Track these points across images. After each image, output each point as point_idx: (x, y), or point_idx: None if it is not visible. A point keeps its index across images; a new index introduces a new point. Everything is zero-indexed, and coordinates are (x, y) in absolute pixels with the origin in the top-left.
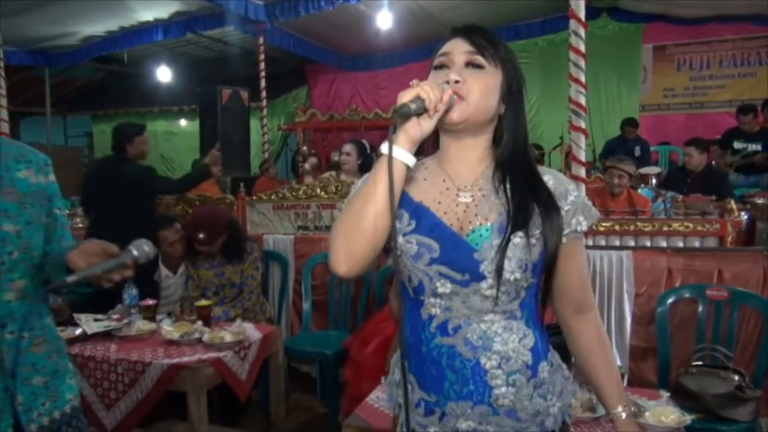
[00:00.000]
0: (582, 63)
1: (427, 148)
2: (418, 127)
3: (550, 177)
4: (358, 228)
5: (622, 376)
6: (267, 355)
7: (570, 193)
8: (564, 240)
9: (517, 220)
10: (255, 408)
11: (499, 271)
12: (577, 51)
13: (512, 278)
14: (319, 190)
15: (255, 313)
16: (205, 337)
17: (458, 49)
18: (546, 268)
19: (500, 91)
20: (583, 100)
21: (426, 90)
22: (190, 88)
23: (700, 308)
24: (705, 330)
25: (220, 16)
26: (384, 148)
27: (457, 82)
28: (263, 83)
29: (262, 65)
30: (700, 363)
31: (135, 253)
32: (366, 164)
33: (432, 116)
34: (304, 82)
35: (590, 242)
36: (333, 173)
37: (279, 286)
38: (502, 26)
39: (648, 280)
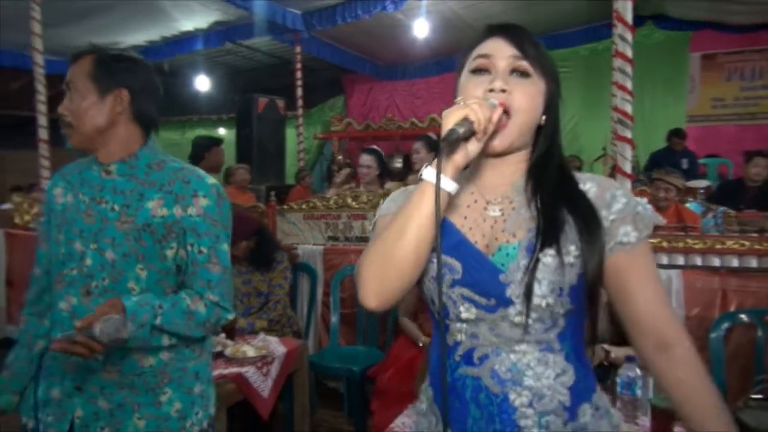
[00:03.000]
0: (629, 69)
1: None
2: (465, 152)
3: (592, 184)
4: (394, 261)
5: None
6: (291, 371)
7: (617, 199)
8: (609, 254)
9: (546, 236)
10: (279, 423)
11: (527, 295)
12: (623, 57)
13: (544, 304)
14: (350, 200)
15: (282, 326)
16: (227, 351)
17: (501, 52)
18: (590, 291)
19: (544, 102)
20: (629, 109)
21: (475, 110)
22: (229, 97)
23: (759, 334)
24: (765, 359)
25: (258, 25)
26: (426, 174)
27: (503, 91)
28: (299, 92)
29: (299, 74)
30: (759, 396)
31: (97, 328)
32: (384, 174)
33: (480, 139)
34: (341, 92)
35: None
36: (335, 180)
37: (307, 298)
38: (542, 35)
39: (699, 302)
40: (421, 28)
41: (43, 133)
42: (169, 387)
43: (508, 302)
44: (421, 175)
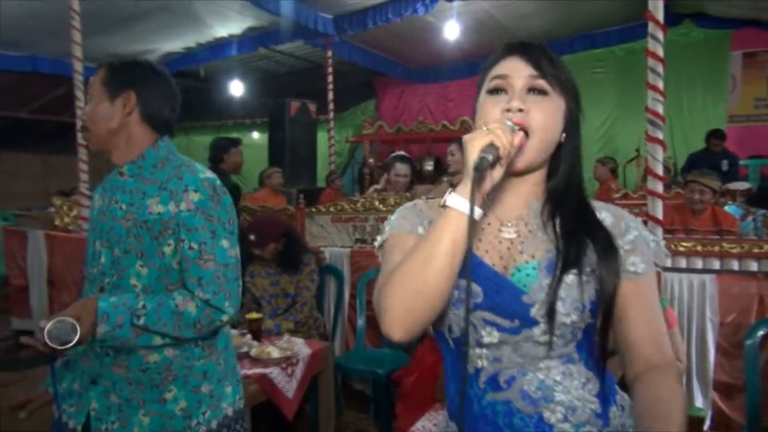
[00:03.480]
0: (660, 69)
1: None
2: (490, 178)
3: (607, 214)
4: (422, 290)
5: (702, 420)
6: (316, 373)
7: (630, 231)
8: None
9: (568, 256)
10: (305, 424)
11: (551, 314)
12: (654, 56)
13: (568, 321)
14: (377, 203)
15: (308, 327)
16: (253, 352)
17: (518, 72)
18: (604, 310)
19: (564, 120)
20: (660, 109)
21: (499, 136)
22: (263, 102)
23: None
24: None
25: (290, 30)
26: (450, 201)
27: (521, 110)
28: (331, 96)
29: (330, 78)
30: None
31: (46, 326)
32: (414, 181)
33: (504, 165)
34: (373, 95)
35: (669, 263)
36: (377, 186)
37: (334, 300)
38: (577, 35)
39: (735, 308)
40: (452, 30)
41: (81, 138)
42: (174, 385)
43: (532, 322)
44: (445, 201)
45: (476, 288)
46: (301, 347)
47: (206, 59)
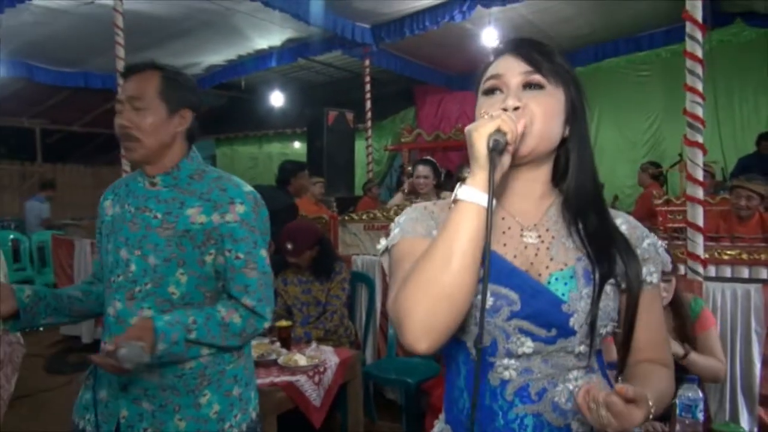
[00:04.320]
0: (699, 70)
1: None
2: (500, 166)
3: (622, 221)
4: (444, 291)
5: None
6: (345, 381)
7: (644, 240)
8: None
9: (602, 265)
10: None
11: (593, 324)
12: (693, 57)
13: (603, 332)
14: None
15: (339, 336)
16: (281, 360)
17: (512, 69)
18: (628, 317)
19: (564, 111)
20: (700, 112)
21: (506, 121)
22: (303, 112)
23: None
24: None
25: (328, 41)
26: (462, 193)
27: (516, 108)
28: (368, 104)
29: (368, 87)
30: None
31: (121, 353)
32: (440, 184)
33: (511, 151)
34: (412, 103)
35: (712, 272)
36: (403, 189)
37: (366, 308)
38: (620, 38)
39: None
40: (490, 37)
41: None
42: (209, 389)
43: (570, 332)
44: (456, 195)
45: (512, 295)
46: (330, 355)
47: (247, 71)
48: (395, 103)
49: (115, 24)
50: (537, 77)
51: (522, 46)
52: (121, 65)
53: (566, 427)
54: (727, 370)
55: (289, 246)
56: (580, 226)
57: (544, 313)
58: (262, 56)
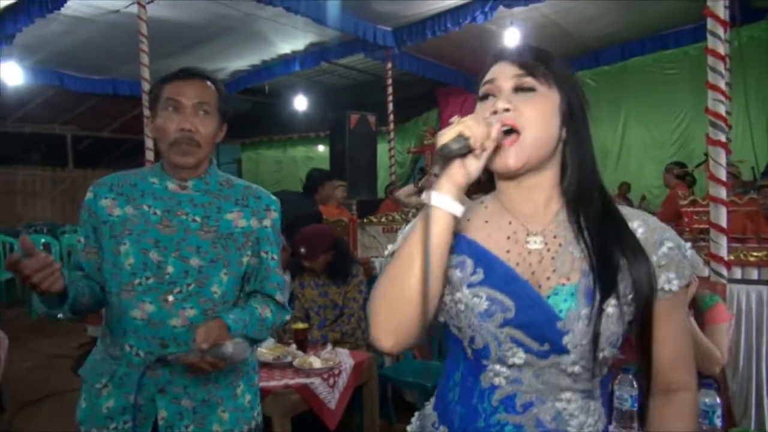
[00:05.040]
0: (721, 67)
1: None
2: (464, 170)
3: (640, 223)
4: (404, 296)
5: None
6: (360, 383)
7: (665, 244)
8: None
9: (604, 283)
10: None
11: (594, 348)
12: (715, 54)
13: (601, 356)
14: None
15: (356, 338)
16: (296, 362)
17: (504, 74)
18: (641, 333)
19: (560, 113)
20: (722, 110)
21: (470, 126)
22: (326, 115)
23: None
24: None
25: (350, 44)
26: (430, 198)
27: (507, 110)
28: (390, 107)
29: (390, 89)
30: None
31: (230, 350)
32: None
33: (480, 156)
34: (435, 105)
35: (738, 275)
36: (416, 183)
37: None
38: (647, 37)
39: None
40: (513, 37)
41: (149, 155)
42: (242, 381)
43: (562, 350)
44: (423, 198)
45: (507, 302)
46: (345, 358)
47: (271, 76)
48: (418, 105)
49: (140, 32)
50: (528, 80)
51: (516, 51)
52: (146, 72)
53: None
54: (753, 376)
55: (303, 250)
56: (586, 232)
57: (537, 326)
58: (285, 61)
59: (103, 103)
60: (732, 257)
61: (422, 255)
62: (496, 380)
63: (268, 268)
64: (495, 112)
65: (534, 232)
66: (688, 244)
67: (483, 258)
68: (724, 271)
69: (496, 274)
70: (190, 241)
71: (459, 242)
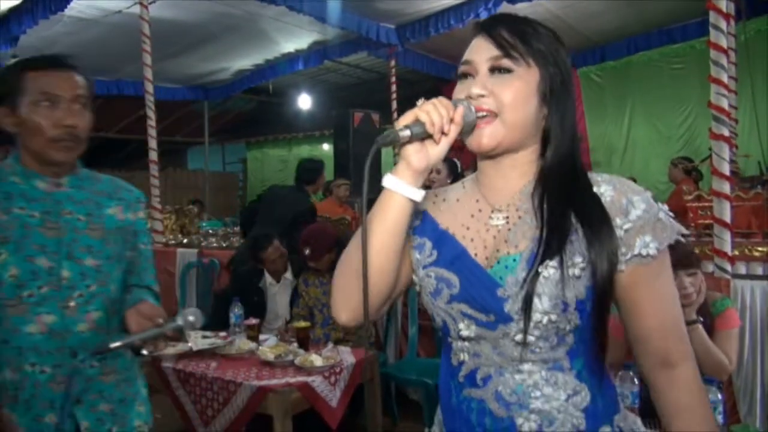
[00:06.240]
0: (724, 60)
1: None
2: (422, 155)
3: (608, 187)
4: (352, 273)
5: None
6: (362, 381)
7: (635, 205)
8: (623, 268)
9: (549, 247)
10: None
11: (526, 311)
12: (717, 47)
13: (545, 320)
14: None
15: (359, 337)
16: (297, 360)
17: (480, 55)
18: (598, 305)
19: (538, 93)
20: (725, 104)
21: (427, 110)
22: (330, 114)
23: None
24: None
25: (354, 42)
26: (386, 181)
27: (482, 96)
28: (394, 105)
29: (394, 87)
30: None
31: (180, 323)
32: (456, 180)
33: (440, 141)
34: None
35: (742, 270)
36: None
37: (387, 309)
38: (652, 31)
39: None
40: None
41: (153, 155)
42: (139, 371)
43: (507, 319)
44: (383, 182)
45: (453, 278)
46: (346, 356)
47: (275, 75)
48: None
49: (142, 32)
50: (505, 62)
51: (495, 25)
52: (149, 72)
53: (509, 419)
54: (757, 372)
55: (307, 251)
56: (546, 202)
57: (479, 298)
58: (289, 60)
59: (108, 104)
60: (736, 252)
61: (375, 235)
62: (461, 356)
63: (148, 260)
64: (470, 97)
65: (498, 208)
66: (665, 207)
67: (440, 239)
68: (728, 267)
69: (446, 252)
70: (81, 241)
71: (424, 223)
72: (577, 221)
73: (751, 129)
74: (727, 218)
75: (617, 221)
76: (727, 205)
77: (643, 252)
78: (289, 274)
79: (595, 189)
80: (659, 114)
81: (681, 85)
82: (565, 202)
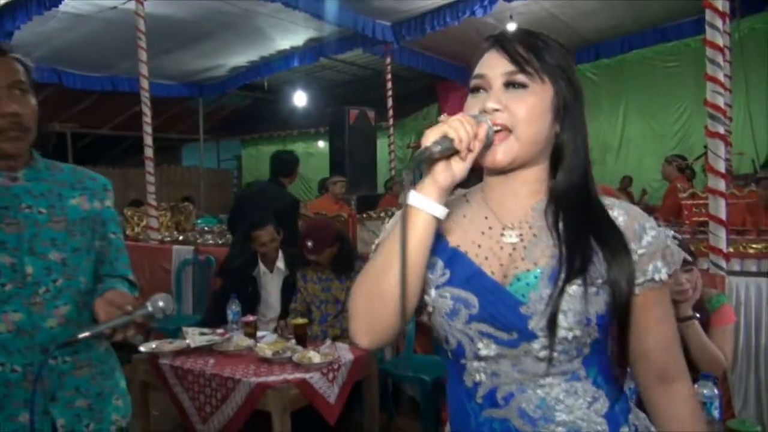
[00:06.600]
0: (720, 59)
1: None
2: (449, 172)
3: (620, 212)
4: (381, 295)
5: None
6: (359, 378)
7: (647, 231)
8: (637, 291)
9: (572, 264)
10: (351, 430)
11: (552, 328)
12: (713, 45)
13: (570, 336)
14: None
15: None
16: (295, 357)
17: (495, 69)
18: (618, 322)
19: (552, 109)
20: (721, 102)
21: (455, 127)
22: (326, 111)
23: None
24: None
25: (349, 39)
26: (411, 199)
27: (497, 110)
28: (390, 102)
29: (389, 84)
30: None
31: (149, 309)
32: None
33: (466, 158)
34: (436, 100)
35: (737, 267)
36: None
37: None
38: (647, 29)
39: None
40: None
41: (148, 152)
42: (115, 364)
43: (531, 336)
44: (405, 199)
45: (471, 298)
46: (344, 352)
47: (270, 72)
48: (418, 100)
49: (138, 28)
50: (520, 77)
51: (508, 40)
52: (144, 69)
53: None
54: (752, 368)
55: (309, 244)
56: (561, 221)
57: (501, 316)
58: (284, 57)
59: (103, 100)
60: (731, 249)
61: (398, 255)
62: (477, 377)
63: (119, 249)
64: (485, 111)
65: (510, 225)
66: (670, 232)
67: (452, 258)
68: (723, 263)
69: (460, 272)
70: (44, 235)
71: (435, 244)
72: (596, 243)
73: (744, 127)
74: (723, 215)
75: (632, 246)
76: (722, 203)
77: (656, 277)
78: (281, 263)
79: (609, 213)
80: (653, 112)
81: (675, 83)
82: (584, 225)
